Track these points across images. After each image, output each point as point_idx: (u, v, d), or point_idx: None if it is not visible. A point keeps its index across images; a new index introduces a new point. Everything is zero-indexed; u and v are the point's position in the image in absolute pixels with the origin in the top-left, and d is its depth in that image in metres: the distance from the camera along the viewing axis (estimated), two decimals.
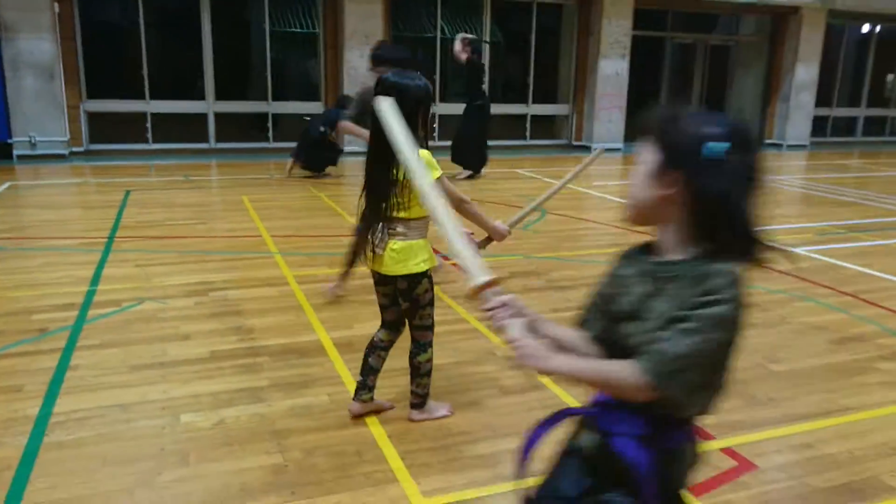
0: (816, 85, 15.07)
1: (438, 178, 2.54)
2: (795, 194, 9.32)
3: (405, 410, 2.87)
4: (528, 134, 13.88)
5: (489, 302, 1.33)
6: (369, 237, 2.62)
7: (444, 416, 2.87)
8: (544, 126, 14.21)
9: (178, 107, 11.83)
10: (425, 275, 2.66)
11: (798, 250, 5.74)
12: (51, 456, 2.51)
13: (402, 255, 2.60)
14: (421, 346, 2.77)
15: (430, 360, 2.78)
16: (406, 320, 2.80)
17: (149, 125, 11.40)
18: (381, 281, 2.74)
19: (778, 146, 15.10)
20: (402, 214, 2.58)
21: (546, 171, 10.76)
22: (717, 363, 1.19)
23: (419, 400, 2.83)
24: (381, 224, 2.60)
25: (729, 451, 2.64)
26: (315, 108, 12.42)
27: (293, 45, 12.75)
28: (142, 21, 10.92)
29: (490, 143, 10.27)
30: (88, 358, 3.36)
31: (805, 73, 14.89)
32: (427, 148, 2.62)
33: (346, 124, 7.59)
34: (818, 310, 4.35)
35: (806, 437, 2.78)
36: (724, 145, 1.17)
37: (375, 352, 2.84)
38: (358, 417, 2.82)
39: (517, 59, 13.74)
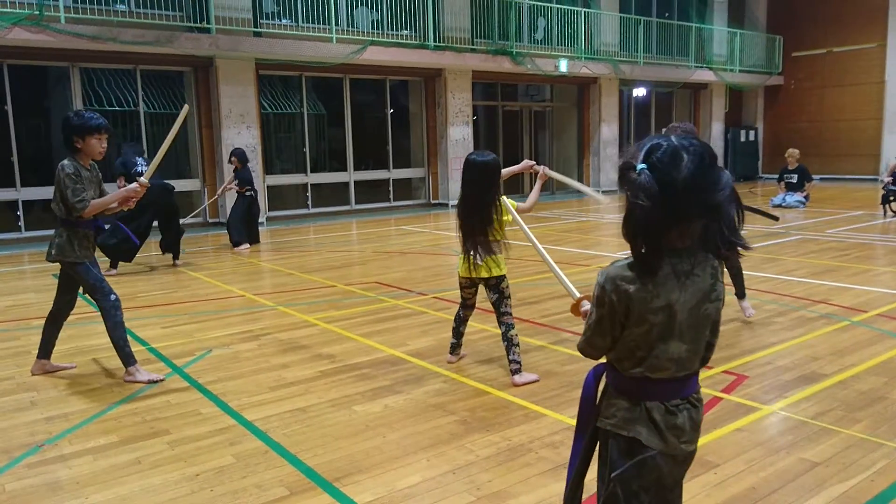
0: (618, 139, 18.15)
1: (510, 218, 3.87)
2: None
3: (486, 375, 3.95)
4: (391, 196, 15.21)
5: (584, 307, 2.01)
6: (469, 256, 3.96)
7: (535, 381, 3.97)
8: (404, 189, 15.64)
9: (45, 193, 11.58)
10: (505, 276, 4.00)
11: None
12: (289, 441, 3.25)
13: (495, 263, 3.96)
14: (508, 325, 3.99)
15: (516, 333, 4.00)
16: (494, 309, 4.06)
17: (20, 213, 11.12)
18: (470, 284, 4.16)
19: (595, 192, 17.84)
20: (492, 238, 3.93)
21: (416, 226, 12.15)
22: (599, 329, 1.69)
23: (517, 366, 3.98)
24: (478, 246, 3.91)
25: (728, 372, 4.03)
26: (193, 184, 12.83)
27: (166, 125, 13.04)
28: (10, 107, 10.80)
29: (360, 206, 13.84)
30: (224, 388, 4.00)
31: (608, 130, 17.91)
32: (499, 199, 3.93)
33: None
34: None
35: (765, 359, 4.27)
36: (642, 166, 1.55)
37: (463, 322, 4.32)
38: (451, 363, 4.28)
39: (376, 130, 15.10)
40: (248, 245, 9.81)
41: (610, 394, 1.77)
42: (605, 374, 1.83)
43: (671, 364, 1.65)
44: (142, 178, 4.14)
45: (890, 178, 11.46)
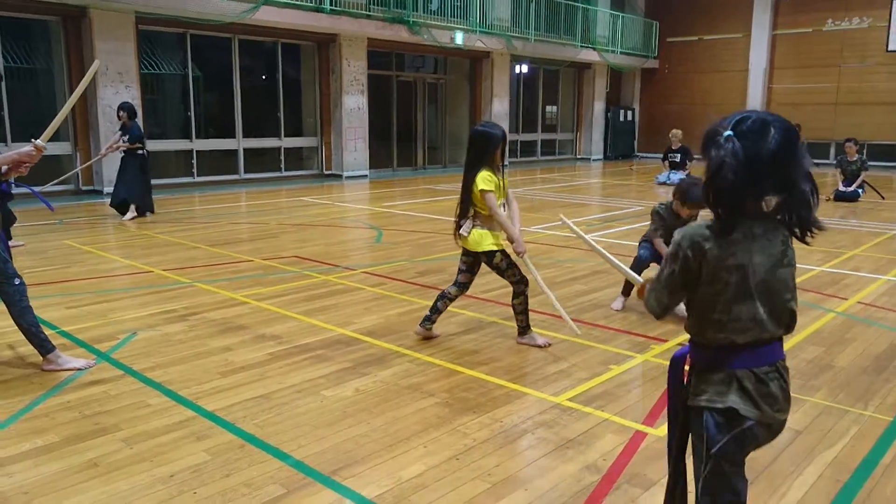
0: (509, 115, 18.37)
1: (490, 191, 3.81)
2: (532, 201, 11.70)
3: (495, 355, 3.85)
4: (282, 166, 14.56)
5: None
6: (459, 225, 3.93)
7: (546, 346, 4.06)
8: (295, 158, 15.02)
9: None
10: (495, 252, 3.89)
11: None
12: (263, 432, 2.96)
13: (478, 238, 3.87)
14: (516, 294, 4.00)
15: (521, 303, 4.00)
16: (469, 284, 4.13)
17: None
18: (465, 253, 4.03)
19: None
20: (477, 211, 3.87)
21: (313, 197, 11.75)
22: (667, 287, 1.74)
23: (522, 328, 4.07)
24: (464, 218, 3.89)
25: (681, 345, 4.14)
26: (63, 147, 11.62)
27: (25, 82, 11.69)
28: None
29: (249, 176, 13.54)
30: (166, 375, 3.61)
31: (500, 105, 18.08)
32: (503, 173, 3.92)
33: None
34: None
35: None
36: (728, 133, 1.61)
37: (443, 300, 4.13)
38: (421, 338, 4.17)
39: (266, 96, 14.34)
40: (135, 214, 8.99)
41: (698, 372, 1.76)
42: (688, 358, 1.81)
43: (753, 324, 1.66)
44: (38, 140, 3.56)
45: None
